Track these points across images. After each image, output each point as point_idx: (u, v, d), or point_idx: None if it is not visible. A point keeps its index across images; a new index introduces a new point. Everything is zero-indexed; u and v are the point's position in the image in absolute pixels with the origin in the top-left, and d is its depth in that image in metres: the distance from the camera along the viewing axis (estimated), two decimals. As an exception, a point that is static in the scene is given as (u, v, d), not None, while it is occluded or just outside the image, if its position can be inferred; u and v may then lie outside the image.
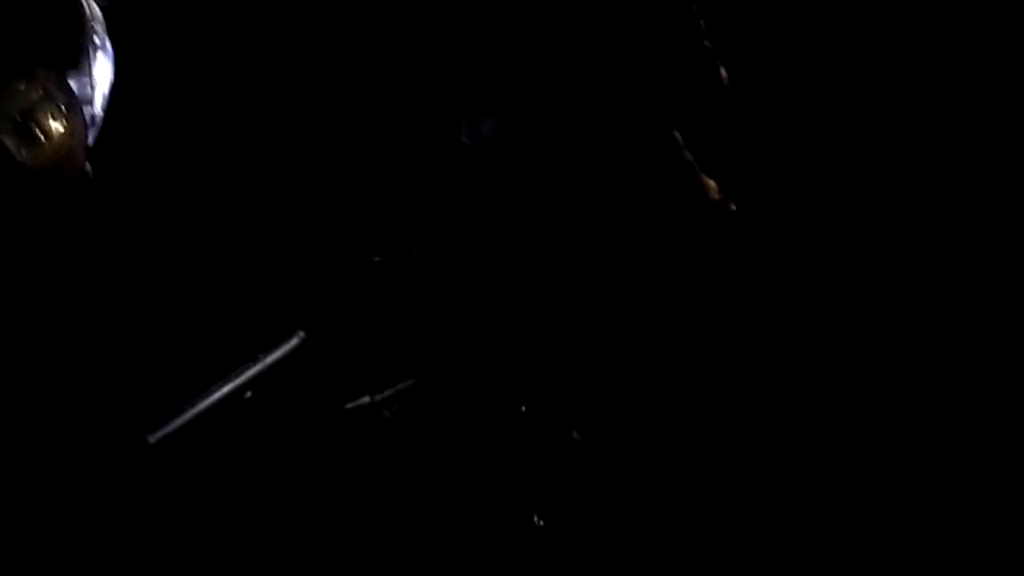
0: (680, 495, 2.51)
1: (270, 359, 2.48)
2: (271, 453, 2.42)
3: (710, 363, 2.59)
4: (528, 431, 2.52)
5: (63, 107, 2.33)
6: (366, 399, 2.50)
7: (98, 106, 2.45)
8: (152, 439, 2.34)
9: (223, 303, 2.53)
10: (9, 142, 2.26)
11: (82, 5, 2.46)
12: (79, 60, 2.44)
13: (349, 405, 2.49)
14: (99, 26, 2.48)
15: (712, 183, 2.62)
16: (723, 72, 2.67)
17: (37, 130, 2.30)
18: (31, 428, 2.33)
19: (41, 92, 2.31)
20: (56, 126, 2.30)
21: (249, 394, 2.44)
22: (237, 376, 2.44)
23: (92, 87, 2.44)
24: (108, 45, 2.49)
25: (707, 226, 2.62)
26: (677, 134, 2.62)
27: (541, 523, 2.44)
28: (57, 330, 2.39)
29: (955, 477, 2.55)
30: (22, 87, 2.31)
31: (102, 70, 2.46)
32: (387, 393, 2.50)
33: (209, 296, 2.53)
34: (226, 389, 2.42)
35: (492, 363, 2.56)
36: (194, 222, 2.56)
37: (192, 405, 2.39)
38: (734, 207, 2.63)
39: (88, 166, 2.37)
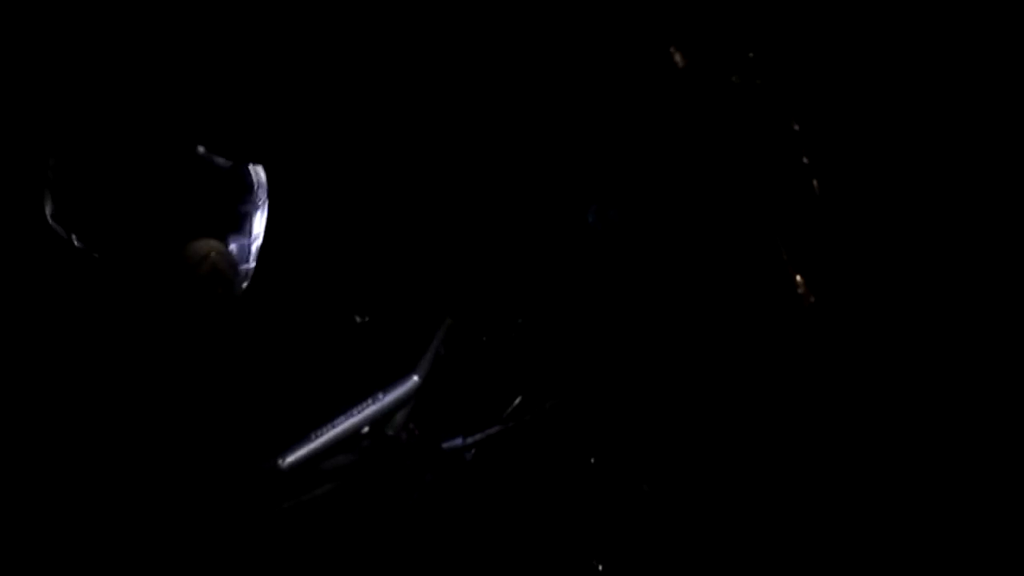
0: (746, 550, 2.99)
1: (387, 399, 2.94)
2: (378, 482, 2.90)
3: (779, 433, 3.05)
4: (597, 482, 2.99)
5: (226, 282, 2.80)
6: (459, 440, 2.97)
7: (252, 261, 2.89)
8: (283, 464, 2.82)
9: (352, 349, 2.98)
10: None
11: (250, 175, 2.90)
12: (243, 224, 2.88)
13: (445, 445, 2.96)
14: (262, 191, 2.91)
15: (799, 278, 3.05)
16: (816, 184, 3.08)
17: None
18: (177, 447, 2.79)
19: (210, 273, 2.79)
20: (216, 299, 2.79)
21: (367, 429, 2.91)
22: (358, 412, 2.91)
23: (250, 244, 2.88)
24: (267, 204, 2.91)
25: (790, 315, 3.07)
26: (777, 235, 3.06)
27: (601, 569, 2.93)
28: (210, 365, 2.85)
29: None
30: (196, 268, 2.77)
31: (260, 225, 2.90)
32: (477, 437, 2.98)
33: (339, 343, 2.98)
34: (349, 423, 2.89)
35: (570, 418, 3.03)
36: (325, 274, 3.00)
37: (318, 435, 2.86)
38: (813, 299, 3.07)
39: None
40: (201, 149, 2.89)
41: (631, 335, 3.07)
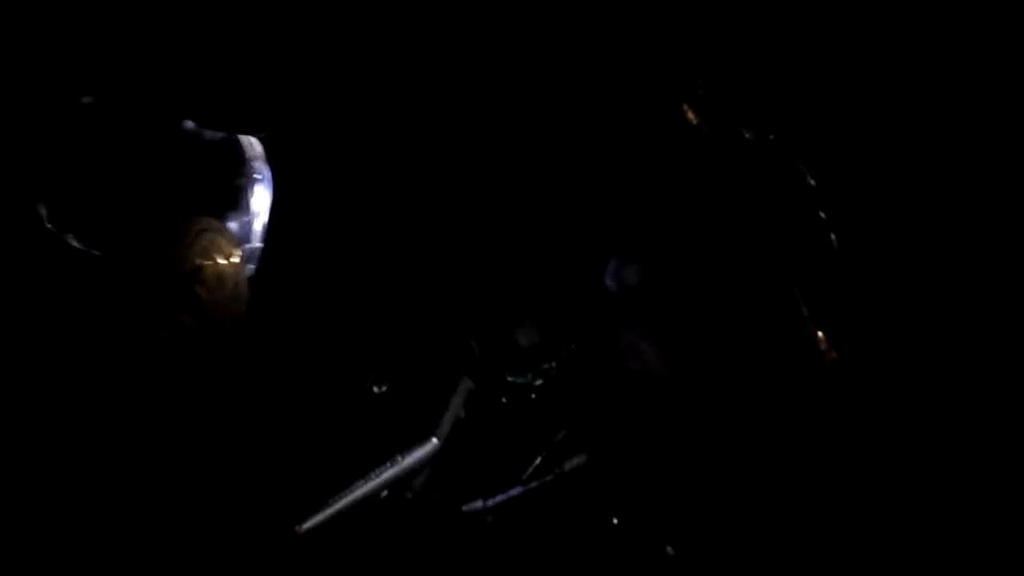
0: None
1: (406, 462, 2.94)
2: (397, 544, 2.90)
3: (804, 492, 3.02)
4: (621, 544, 2.97)
5: (227, 262, 2.61)
6: (479, 503, 2.96)
7: (258, 239, 2.74)
8: (301, 529, 2.82)
9: (370, 412, 2.99)
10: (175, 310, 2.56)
11: (242, 147, 2.74)
12: (238, 200, 2.72)
13: (465, 508, 2.95)
14: (259, 162, 2.75)
15: (821, 334, 3.02)
16: (833, 238, 3.06)
17: (202, 293, 2.59)
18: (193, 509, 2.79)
19: (206, 253, 2.60)
20: (219, 286, 2.59)
21: (386, 493, 2.91)
22: (377, 475, 2.91)
23: (251, 222, 2.73)
24: (267, 175, 2.76)
25: (812, 370, 3.04)
26: (797, 291, 3.03)
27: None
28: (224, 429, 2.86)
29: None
30: (188, 249, 2.59)
31: (261, 201, 2.74)
32: (498, 499, 2.97)
33: (358, 405, 2.99)
34: (367, 487, 2.89)
35: (592, 478, 3.01)
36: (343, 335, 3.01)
37: (336, 500, 2.86)
38: (835, 355, 3.03)
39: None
40: (189, 124, 2.76)
41: (651, 395, 3.05)
